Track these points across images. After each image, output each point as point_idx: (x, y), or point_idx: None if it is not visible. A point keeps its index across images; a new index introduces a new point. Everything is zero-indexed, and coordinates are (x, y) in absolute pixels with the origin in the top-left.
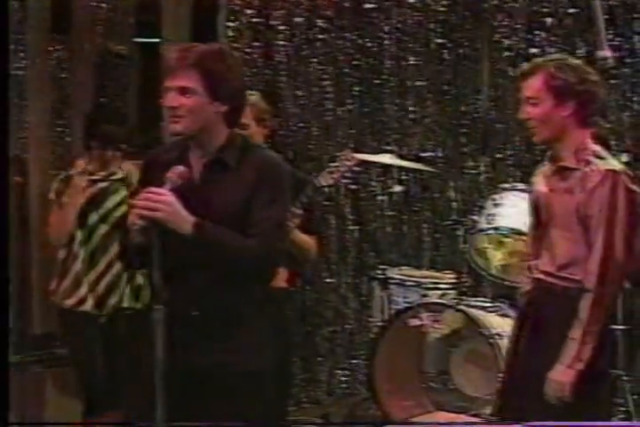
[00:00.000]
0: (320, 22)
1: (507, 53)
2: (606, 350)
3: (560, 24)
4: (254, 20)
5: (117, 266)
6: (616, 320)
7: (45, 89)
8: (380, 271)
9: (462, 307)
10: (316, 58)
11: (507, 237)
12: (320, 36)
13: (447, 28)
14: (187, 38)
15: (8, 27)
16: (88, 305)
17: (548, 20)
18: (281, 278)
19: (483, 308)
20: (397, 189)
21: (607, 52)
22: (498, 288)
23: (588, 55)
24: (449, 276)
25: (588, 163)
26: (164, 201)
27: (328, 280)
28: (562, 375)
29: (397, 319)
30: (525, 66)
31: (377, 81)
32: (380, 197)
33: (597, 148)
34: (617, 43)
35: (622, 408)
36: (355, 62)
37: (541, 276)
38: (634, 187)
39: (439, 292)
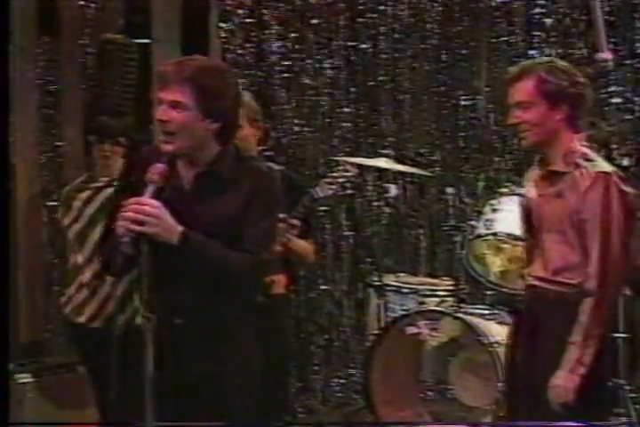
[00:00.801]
0: (314, 23)
1: (505, 55)
2: (607, 354)
3: (559, 25)
4: (247, 20)
5: (125, 281)
6: (617, 325)
7: (32, 91)
8: (376, 278)
9: (460, 314)
10: (309, 59)
11: (505, 242)
12: (314, 37)
13: (444, 30)
14: (177, 39)
15: (8, 27)
16: (99, 322)
17: (547, 20)
18: (279, 285)
19: (481, 315)
20: (393, 193)
21: (607, 54)
22: (497, 295)
23: (588, 57)
24: (447, 282)
25: (577, 166)
26: (152, 214)
27: (323, 287)
28: (564, 381)
29: (394, 327)
30: (513, 70)
31: (372, 83)
32: (375, 202)
33: (586, 150)
34: (617, 44)
35: (624, 418)
36: (350, 64)
37: (535, 282)
38: (626, 188)
39: (437, 299)
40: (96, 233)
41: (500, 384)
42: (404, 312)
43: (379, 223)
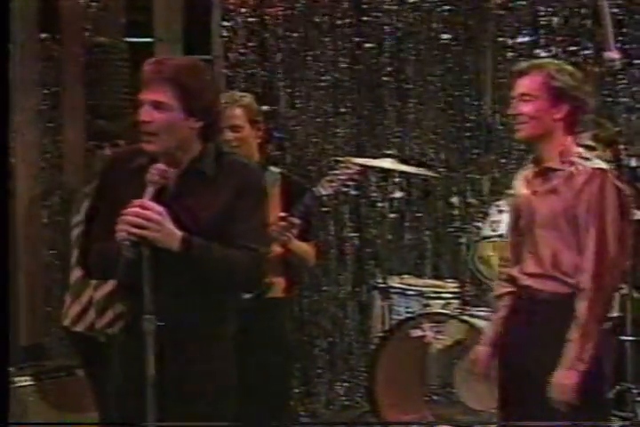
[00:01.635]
0: (317, 22)
1: (511, 54)
2: (606, 350)
3: (566, 24)
4: (249, 19)
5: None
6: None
7: (33, 91)
8: (380, 280)
9: (466, 317)
10: (313, 58)
11: None
12: (317, 36)
13: (450, 29)
14: (179, 38)
15: (8, 27)
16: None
17: (554, 20)
18: (279, 288)
19: (487, 318)
20: (398, 194)
21: (614, 54)
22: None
23: (596, 56)
24: (452, 285)
25: (572, 164)
26: (153, 219)
27: (327, 289)
28: (565, 378)
29: (398, 330)
30: (523, 64)
31: (377, 82)
32: (380, 203)
33: (581, 150)
34: (625, 43)
35: (630, 422)
36: (354, 63)
37: (529, 281)
38: (621, 185)
39: (442, 301)
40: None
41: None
42: (408, 315)
43: (383, 225)
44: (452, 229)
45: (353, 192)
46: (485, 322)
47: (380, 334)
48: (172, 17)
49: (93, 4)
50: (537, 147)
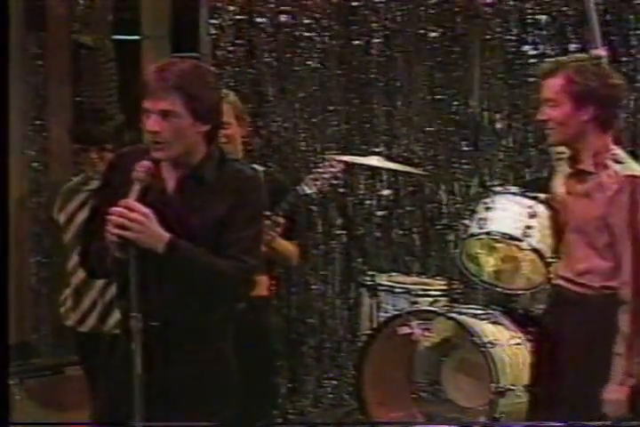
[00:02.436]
0: (306, 20)
1: (498, 52)
2: None
3: (553, 22)
4: (238, 17)
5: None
6: None
7: (20, 90)
8: (368, 278)
9: (453, 315)
10: (301, 56)
11: (499, 242)
12: (306, 34)
13: (437, 26)
14: (167, 36)
15: (8, 27)
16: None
17: (542, 17)
18: (262, 287)
19: (474, 315)
20: (386, 192)
21: (601, 51)
22: (490, 295)
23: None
24: (439, 282)
25: (605, 167)
26: (137, 220)
27: (314, 287)
28: (616, 394)
29: (386, 327)
30: (547, 65)
31: (365, 80)
32: (367, 201)
33: (617, 151)
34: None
35: None
36: (342, 61)
37: (560, 281)
38: None
39: (429, 299)
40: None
41: (493, 385)
42: (396, 312)
43: (371, 222)
44: (439, 227)
45: (340, 190)
46: (473, 319)
47: (368, 332)
48: (160, 14)
49: (80, 1)
50: (570, 148)
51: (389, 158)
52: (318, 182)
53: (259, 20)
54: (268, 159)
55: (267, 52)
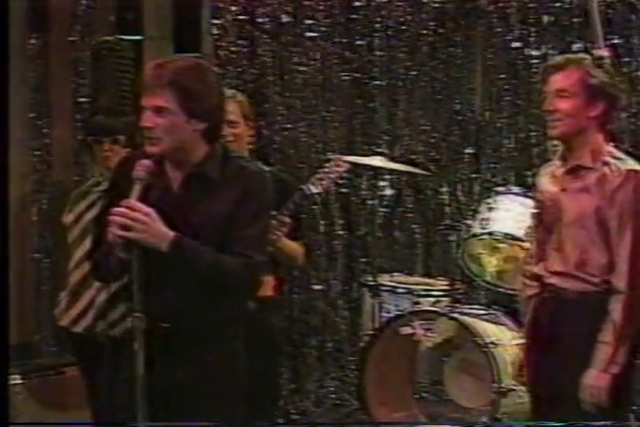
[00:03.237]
0: (308, 20)
1: (500, 52)
2: (634, 356)
3: (556, 22)
4: (240, 17)
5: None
6: None
7: (22, 89)
8: (370, 278)
9: (456, 315)
10: (303, 57)
11: (501, 242)
12: (308, 34)
13: (440, 27)
14: (169, 36)
15: (8, 27)
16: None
17: (544, 17)
18: (268, 287)
19: (477, 315)
20: (388, 192)
21: (604, 52)
22: (492, 295)
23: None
24: (442, 282)
25: (605, 163)
26: (139, 220)
27: (317, 287)
28: (597, 380)
29: (388, 328)
30: (558, 59)
31: (367, 80)
32: (370, 201)
33: (612, 148)
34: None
35: None
36: (344, 61)
37: (553, 279)
38: None
39: (432, 299)
40: (90, 238)
41: (495, 385)
42: (398, 312)
43: (373, 222)
44: (442, 227)
45: (343, 190)
46: (475, 320)
47: (370, 332)
48: (162, 15)
49: (83, 1)
50: (567, 144)
51: (392, 159)
52: (324, 182)
53: (260, 20)
54: (270, 159)
55: (269, 52)
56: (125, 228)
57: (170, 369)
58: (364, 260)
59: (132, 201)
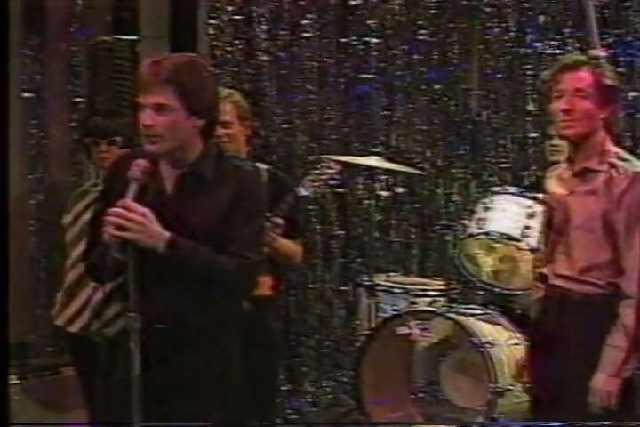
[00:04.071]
0: (304, 19)
1: (497, 52)
2: None
3: (552, 22)
4: (236, 17)
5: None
6: None
7: (18, 89)
8: (366, 278)
9: (452, 315)
10: (299, 56)
11: (497, 242)
12: (304, 34)
13: (436, 26)
14: (166, 36)
15: (8, 27)
16: (74, 327)
17: (540, 17)
18: (265, 286)
19: (473, 315)
20: (385, 193)
21: (600, 52)
22: (489, 295)
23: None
24: (438, 282)
25: (612, 165)
26: (135, 220)
27: (313, 287)
28: (607, 384)
29: (385, 328)
30: (570, 58)
31: (363, 80)
32: (366, 201)
33: (618, 150)
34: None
35: None
36: (340, 61)
37: (558, 281)
38: None
39: (428, 299)
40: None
41: (491, 385)
42: (394, 312)
43: (369, 222)
44: (438, 227)
45: (339, 190)
46: (471, 319)
47: (367, 332)
48: (158, 14)
49: (79, 1)
50: (576, 146)
51: (388, 158)
52: (316, 184)
53: (257, 20)
54: (265, 159)
55: (265, 51)
56: (121, 228)
57: (165, 369)
58: (360, 260)
59: (128, 201)
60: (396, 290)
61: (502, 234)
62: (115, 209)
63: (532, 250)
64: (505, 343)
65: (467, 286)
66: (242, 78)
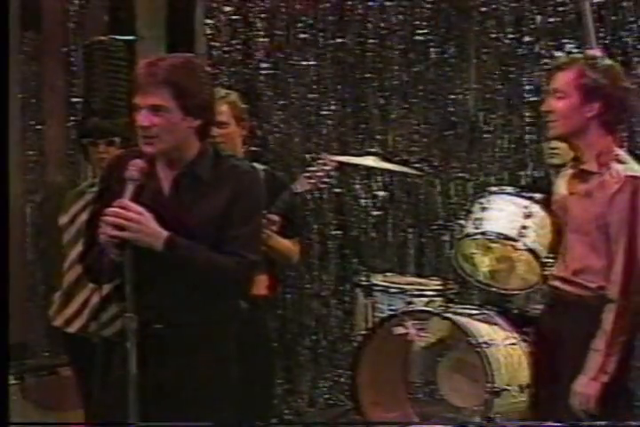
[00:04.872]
0: (301, 20)
1: (493, 52)
2: (629, 363)
3: (549, 22)
4: (233, 17)
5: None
6: None
7: (15, 89)
8: (363, 278)
9: (449, 315)
10: (296, 56)
11: (494, 242)
12: (301, 35)
13: (433, 26)
14: (162, 36)
15: (8, 26)
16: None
17: (536, 17)
18: (262, 286)
19: (470, 315)
20: (382, 193)
21: (597, 52)
22: (485, 295)
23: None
24: (435, 282)
25: (608, 167)
26: (133, 219)
27: (309, 287)
28: (586, 388)
29: (381, 328)
30: (562, 59)
31: (360, 80)
32: (363, 201)
33: (620, 152)
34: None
35: None
36: (337, 61)
37: (556, 281)
38: None
39: (425, 299)
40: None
41: (488, 385)
42: (391, 312)
43: (366, 222)
44: (435, 227)
45: (336, 190)
46: (468, 319)
47: (363, 332)
48: (155, 15)
49: (75, 1)
50: (574, 146)
51: (385, 158)
52: (312, 181)
53: (254, 20)
54: (262, 158)
55: (262, 52)
56: (119, 228)
57: (162, 369)
58: (357, 260)
59: (126, 201)
60: (393, 290)
61: (499, 234)
62: (112, 209)
63: (529, 250)
64: (502, 343)
65: (464, 286)
66: (239, 78)
